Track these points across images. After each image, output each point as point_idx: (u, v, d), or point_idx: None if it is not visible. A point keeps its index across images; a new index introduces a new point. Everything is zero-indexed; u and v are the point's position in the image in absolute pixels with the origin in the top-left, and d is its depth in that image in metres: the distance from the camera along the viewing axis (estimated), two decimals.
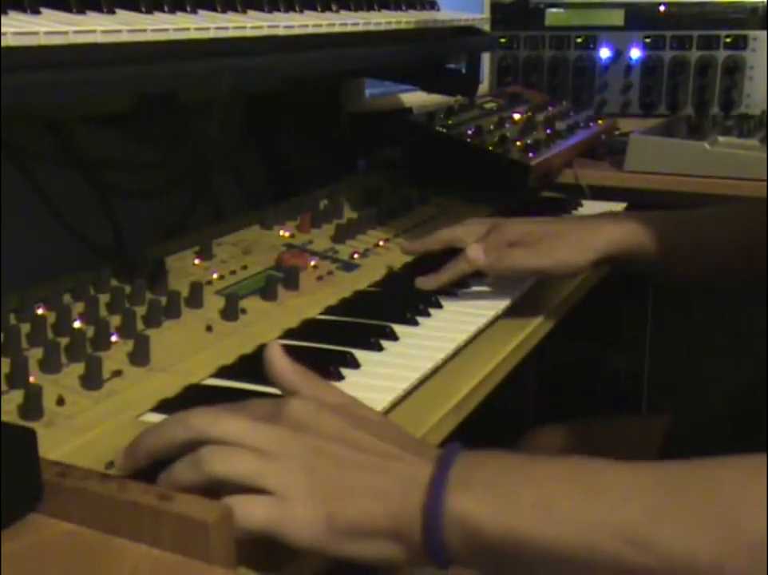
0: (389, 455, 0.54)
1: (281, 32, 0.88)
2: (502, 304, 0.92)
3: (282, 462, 0.53)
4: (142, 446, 0.56)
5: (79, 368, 0.70)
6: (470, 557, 0.52)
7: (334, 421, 0.55)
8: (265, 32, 0.86)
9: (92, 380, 0.69)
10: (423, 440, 0.58)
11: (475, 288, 0.95)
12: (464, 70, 1.36)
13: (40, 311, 0.79)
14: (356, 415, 0.57)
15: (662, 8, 1.84)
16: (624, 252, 0.92)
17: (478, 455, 0.54)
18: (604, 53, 1.85)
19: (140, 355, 0.73)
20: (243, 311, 0.85)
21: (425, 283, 0.93)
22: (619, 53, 1.84)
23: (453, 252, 0.96)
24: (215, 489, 0.53)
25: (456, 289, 0.94)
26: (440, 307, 0.89)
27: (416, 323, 0.85)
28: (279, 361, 0.59)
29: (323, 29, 0.95)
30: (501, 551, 0.51)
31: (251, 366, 0.75)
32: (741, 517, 0.48)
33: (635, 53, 1.83)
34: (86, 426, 0.64)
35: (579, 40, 1.86)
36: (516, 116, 1.49)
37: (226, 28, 0.81)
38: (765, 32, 1.77)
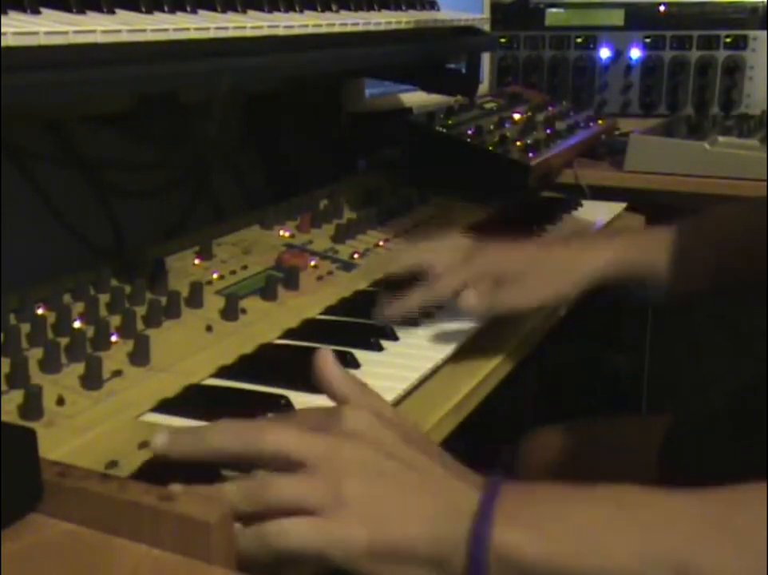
0: (437, 478, 0.53)
1: (281, 32, 0.88)
2: None
3: (329, 475, 0.52)
4: (187, 446, 0.54)
5: (79, 368, 0.70)
6: None
7: (387, 435, 0.54)
8: (265, 32, 0.86)
9: (92, 380, 0.69)
10: (463, 466, 0.58)
11: None
12: (464, 70, 1.36)
13: (40, 311, 0.79)
14: (405, 431, 0.56)
15: (662, 8, 1.83)
16: (615, 275, 0.89)
17: (523, 487, 0.54)
18: (604, 53, 1.85)
19: (140, 355, 0.73)
20: (243, 311, 0.85)
21: (389, 309, 0.84)
22: (619, 53, 1.84)
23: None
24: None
25: None
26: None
27: (416, 323, 0.85)
28: (330, 368, 0.58)
29: (323, 29, 0.95)
30: None
31: (251, 366, 0.75)
32: None
33: (635, 53, 1.83)
34: (86, 426, 0.64)
35: (579, 40, 1.86)
36: (516, 116, 1.49)
37: (226, 28, 0.81)
38: (765, 32, 1.77)
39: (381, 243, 1.07)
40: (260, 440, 0.53)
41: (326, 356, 0.58)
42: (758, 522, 0.49)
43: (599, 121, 1.61)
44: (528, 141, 1.35)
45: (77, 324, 0.78)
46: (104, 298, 0.83)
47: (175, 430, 0.57)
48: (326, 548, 0.51)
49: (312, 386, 0.60)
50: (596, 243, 0.92)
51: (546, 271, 0.86)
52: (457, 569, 0.51)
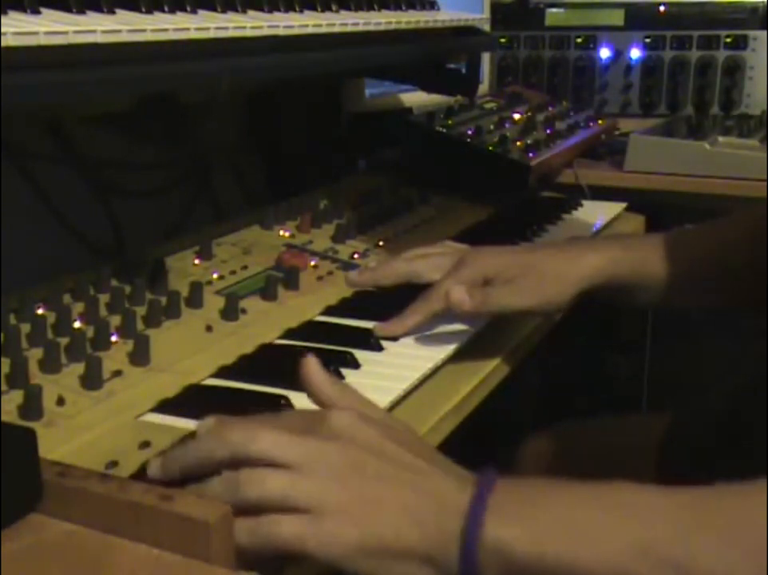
0: (426, 475, 0.53)
1: (281, 32, 0.88)
2: None
3: (317, 477, 0.52)
4: (178, 461, 0.55)
5: (79, 368, 0.70)
6: None
7: (373, 435, 0.54)
8: (265, 32, 0.86)
9: (92, 380, 0.69)
10: (453, 463, 0.58)
11: None
12: (464, 70, 1.36)
13: (40, 311, 0.79)
14: (393, 430, 0.56)
15: (662, 8, 1.83)
16: (604, 283, 0.88)
17: (514, 482, 0.54)
18: (604, 53, 1.85)
19: (140, 355, 0.73)
20: (243, 311, 0.85)
21: (387, 330, 0.82)
22: (619, 53, 1.84)
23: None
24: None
25: None
26: None
27: None
28: (316, 374, 0.59)
29: (323, 29, 0.95)
30: None
31: (251, 366, 0.75)
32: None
33: (635, 53, 1.83)
34: (86, 426, 0.64)
35: (579, 40, 1.86)
36: (516, 116, 1.49)
37: (226, 28, 0.81)
38: (765, 32, 1.77)
39: (381, 243, 1.07)
40: (247, 445, 0.53)
41: (311, 362, 0.59)
42: (750, 518, 0.49)
43: (599, 121, 1.61)
44: (528, 141, 1.35)
45: (77, 324, 0.78)
46: (104, 298, 0.83)
47: (164, 452, 0.57)
48: (317, 546, 0.51)
49: None
50: (587, 249, 0.90)
51: (537, 278, 0.85)
52: (450, 565, 0.51)
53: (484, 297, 0.82)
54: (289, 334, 0.82)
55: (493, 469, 0.55)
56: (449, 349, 0.81)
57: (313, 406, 0.60)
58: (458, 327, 0.85)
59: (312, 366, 0.59)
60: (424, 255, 0.94)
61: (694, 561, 0.48)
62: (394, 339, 0.81)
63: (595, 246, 0.92)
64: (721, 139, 1.44)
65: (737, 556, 0.48)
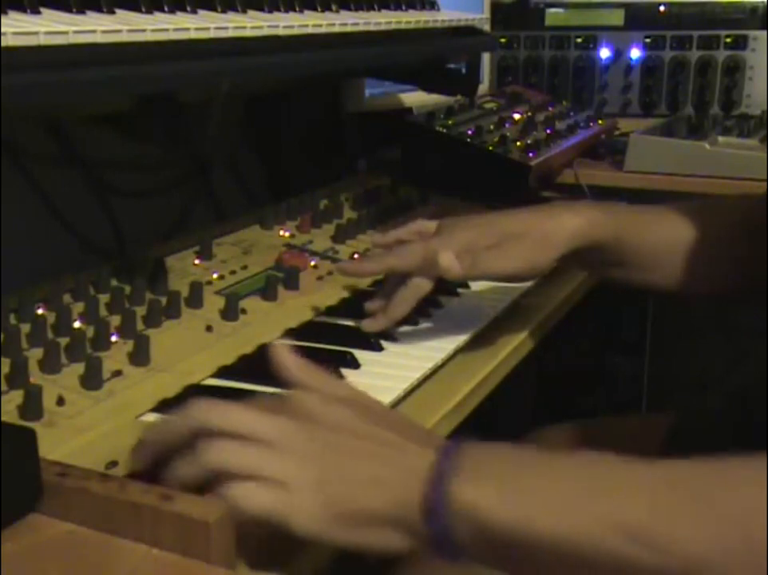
0: (391, 444, 0.54)
1: (281, 32, 0.88)
2: (502, 304, 0.92)
3: (284, 452, 0.53)
4: (145, 442, 0.56)
5: (79, 368, 0.70)
6: (476, 549, 0.52)
7: (338, 412, 0.56)
8: (265, 32, 0.86)
9: (92, 380, 0.69)
10: (429, 431, 0.59)
11: (475, 288, 0.95)
12: (464, 70, 1.35)
13: (40, 311, 0.79)
14: (362, 406, 0.57)
15: (662, 8, 1.83)
16: (590, 246, 0.86)
17: (485, 446, 0.54)
18: (604, 53, 1.85)
19: (140, 355, 0.73)
20: (243, 311, 0.85)
21: (373, 325, 0.83)
22: (619, 53, 1.84)
23: None
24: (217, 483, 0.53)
25: (457, 288, 0.94)
26: (440, 306, 0.89)
27: (416, 323, 0.85)
28: (286, 359, 0.60)
29: (323, 29, 0.95)
30: (506, 543, 0.51)
31: (251, 366, 0.75)
32: (750, 519, 0.48)
33: (635, 53, 1.83)
34: (86, 426, 0.64)
35: (579, 40, 1.85)
36: (516, 116, 1.49)
37: (226, 28, 0.81)
38: (765, 32, 1.77)
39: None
40: (214, 418, 0.54)
41: (281, 349, 0.60)
42: (739, 496, 0.49)
43: (599, 121, 1.61)
44: (528, 141, 1.35)
45: (77, 324, 0.78)
46: (104, 298, 0.83)
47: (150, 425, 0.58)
48: (290, 518, 0.52)
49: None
50: (567, 211, 0.88)
51: (521, 242, 0.84)
52: (419, 527, 0.52)
53: (472, 261, 0.82)
54: (289, 334, 0.82)
55: (467, 436, 0.55)
56: (449, 349, 0.81)
57: None
58: (458, 327, 0.85)
59: (282, 353, 0.60)
60: (397, 238, 0.90)
61: (666, 541, 0.48)
62: (394, 338, 0.81)
63: (574, 208, 0.89)
64: (721, 139, 1.44)
65: (715, 535, 0.48)
